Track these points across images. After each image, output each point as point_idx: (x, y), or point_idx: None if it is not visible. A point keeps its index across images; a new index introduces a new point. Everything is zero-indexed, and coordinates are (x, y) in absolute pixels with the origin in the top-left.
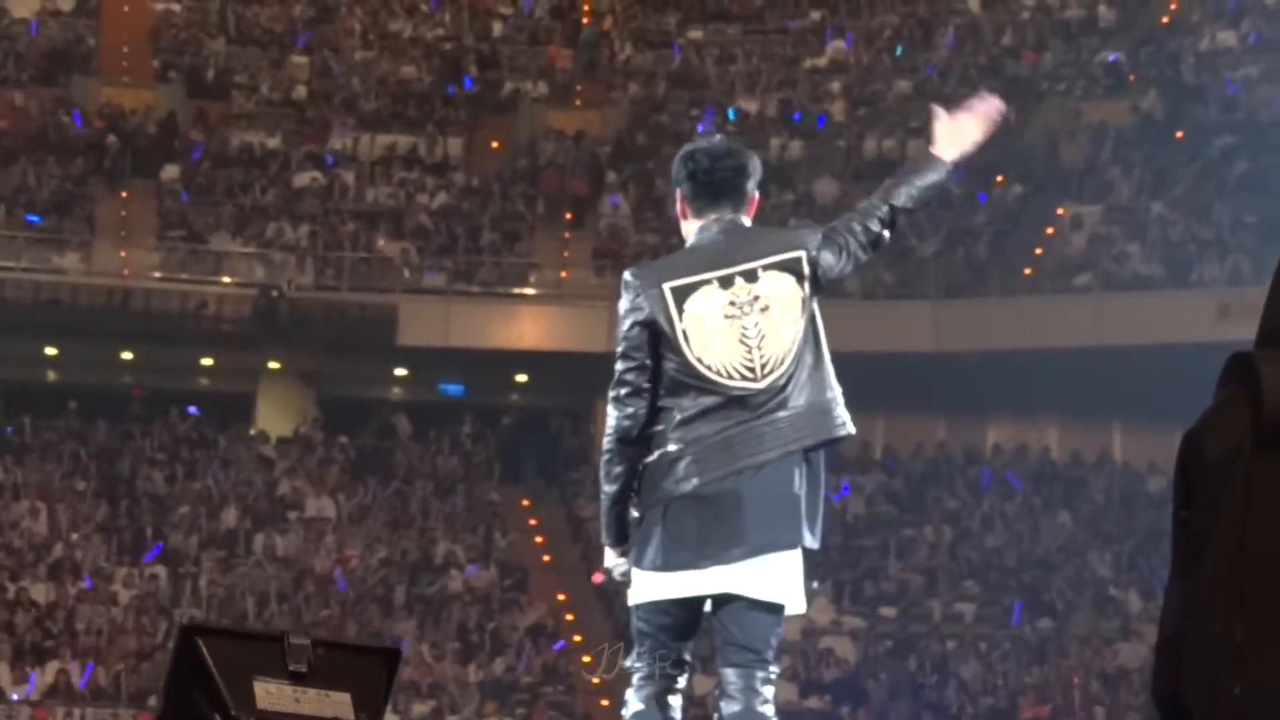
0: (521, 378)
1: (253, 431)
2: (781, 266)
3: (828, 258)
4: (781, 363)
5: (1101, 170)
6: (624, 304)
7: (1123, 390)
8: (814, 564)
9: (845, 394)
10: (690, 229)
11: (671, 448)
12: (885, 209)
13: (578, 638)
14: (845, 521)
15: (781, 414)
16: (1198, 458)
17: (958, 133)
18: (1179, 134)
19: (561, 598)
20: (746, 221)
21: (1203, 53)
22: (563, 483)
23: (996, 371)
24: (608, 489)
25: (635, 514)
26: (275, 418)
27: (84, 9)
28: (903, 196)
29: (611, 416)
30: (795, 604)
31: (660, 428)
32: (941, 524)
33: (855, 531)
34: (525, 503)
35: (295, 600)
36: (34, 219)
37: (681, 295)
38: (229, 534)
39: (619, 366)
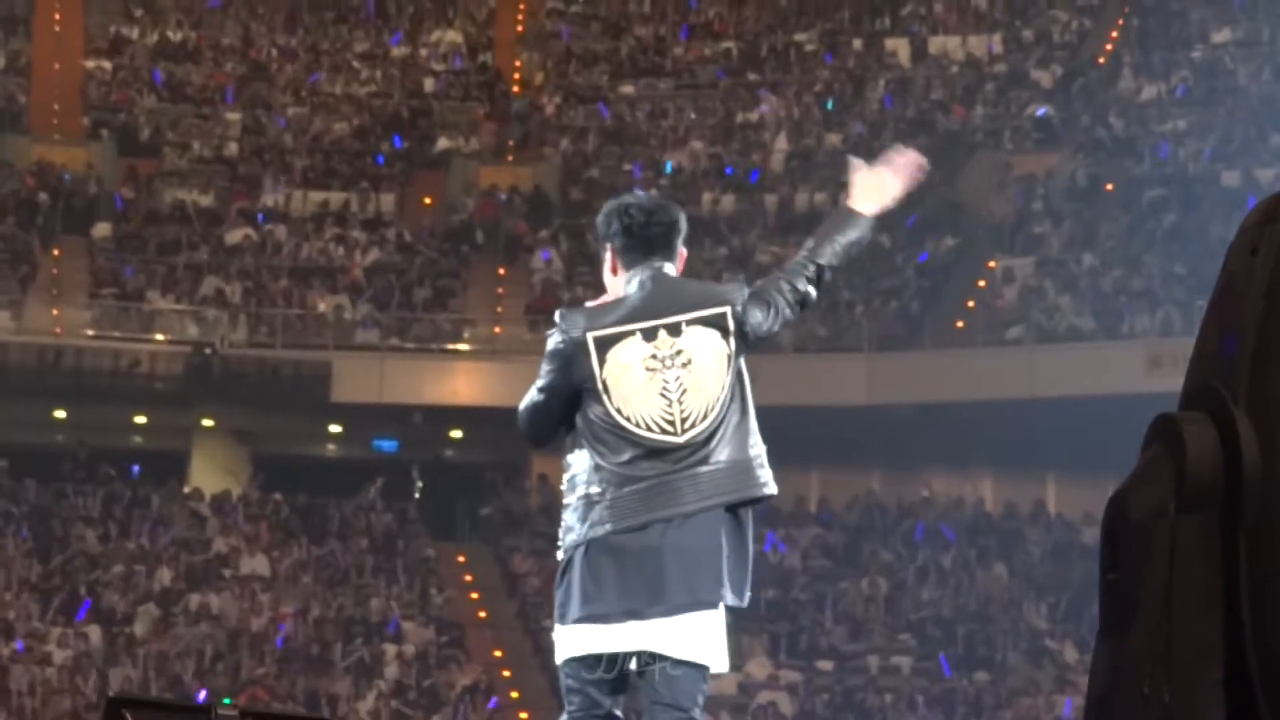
0: (456, 433)
1: (187, 489)
2: (706, 321)
3: (755, 314)
4: (704, 418)
5: (1032, 223)
6: (550, 344)
7: (1056, 442)
8: (751, 618)
9: (780, 447)
10: (618, 283)
11: (591, 490)
12: (812, 267)
13: (514, 694)
14: (781, 574)
15: (702, 469)
16: (1124, 520)
17: (878, 187)
18: (1109, 186)
19: (498, 654)
20: (673, 273)
21: (1132, 106)
22: (498, 538)
23: (930, 424)
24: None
25: (560, 557)
26: (209, 475)
27: (14, 67)
28: (828, 254)
29: (524, 408)
30: (719, 663)
31: (579, 472)
32: (877, 576)
33: (791, 585)
34: (460, 559)
35: (231, 659)
36: None
37: (604, 345)
38: (164, 593)
39: (529, 400)
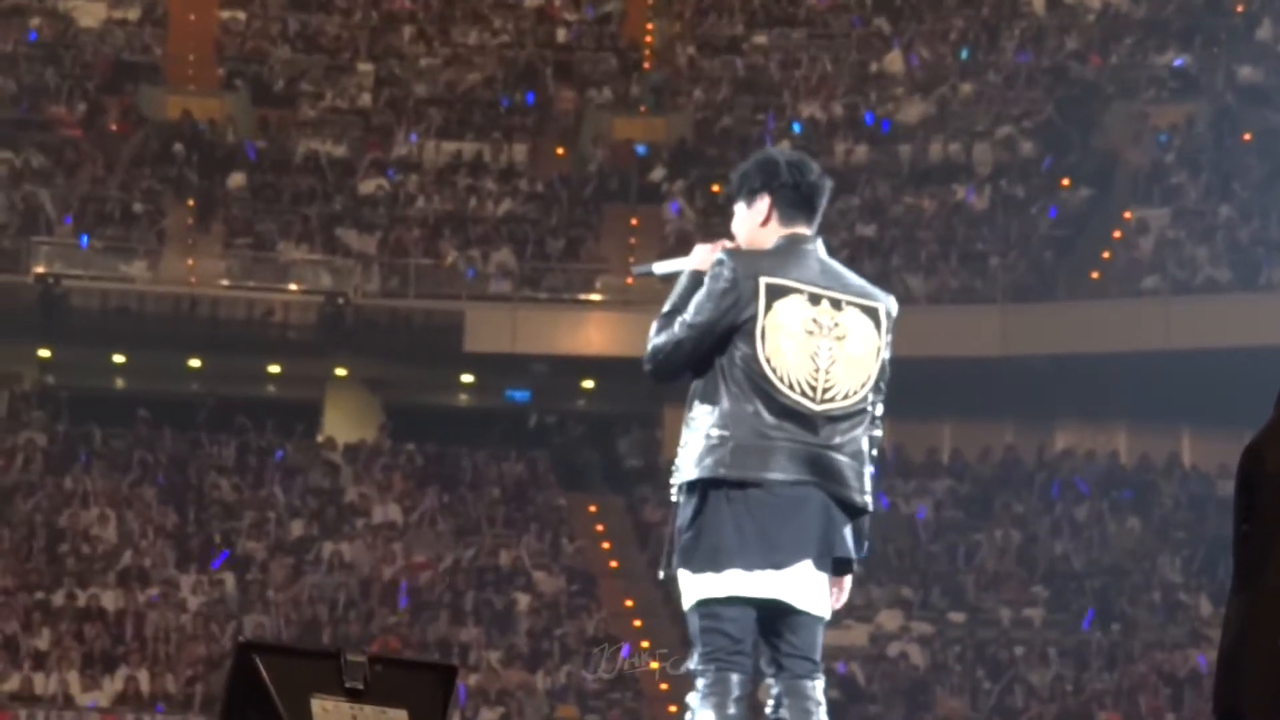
0: (588, 384)
1: (320, 438)
2: (864, 310)
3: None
4: (844, 396)
5: (1168, 173)
6: (717, 282)
7: (1191, 394)
8: (883, 569)
9: (912, 398)
10: (769, 235)
11: (723, 432)
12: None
13: (645, 644)
14: (913, 526)
15: (840, 456)
16: (1259, 471)
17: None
18: (1246, 136)
19: (629, 604)
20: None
21: (1270, 55)
22: (629, 489)
23: (1064, 376)
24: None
25: (682, 498)
26: (342, 425)
27: (150, 19)
28: None
29: (664, 343)
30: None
31: (708, 411)
32: (1010, 529)
33: (923, 537)
34: (592, 509)
35: (363, 607)
36: (85, 241)
37: (774, 294)
38: (297, 541)
39: (673, 335)
